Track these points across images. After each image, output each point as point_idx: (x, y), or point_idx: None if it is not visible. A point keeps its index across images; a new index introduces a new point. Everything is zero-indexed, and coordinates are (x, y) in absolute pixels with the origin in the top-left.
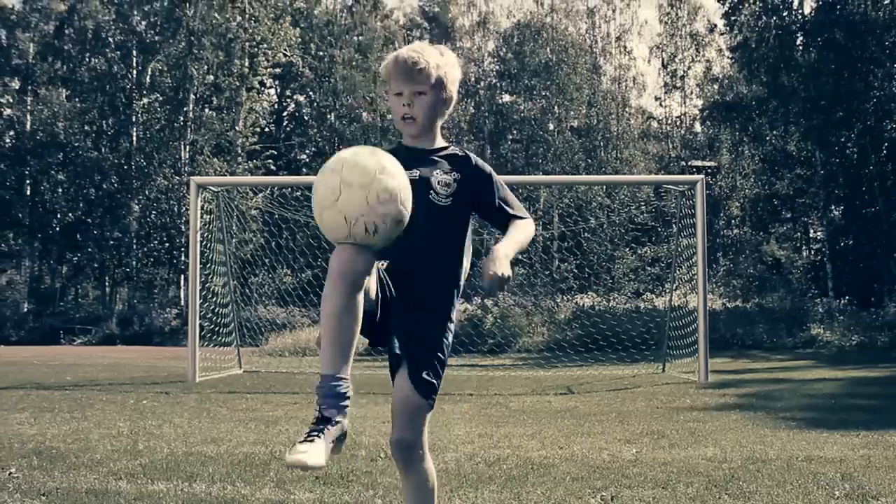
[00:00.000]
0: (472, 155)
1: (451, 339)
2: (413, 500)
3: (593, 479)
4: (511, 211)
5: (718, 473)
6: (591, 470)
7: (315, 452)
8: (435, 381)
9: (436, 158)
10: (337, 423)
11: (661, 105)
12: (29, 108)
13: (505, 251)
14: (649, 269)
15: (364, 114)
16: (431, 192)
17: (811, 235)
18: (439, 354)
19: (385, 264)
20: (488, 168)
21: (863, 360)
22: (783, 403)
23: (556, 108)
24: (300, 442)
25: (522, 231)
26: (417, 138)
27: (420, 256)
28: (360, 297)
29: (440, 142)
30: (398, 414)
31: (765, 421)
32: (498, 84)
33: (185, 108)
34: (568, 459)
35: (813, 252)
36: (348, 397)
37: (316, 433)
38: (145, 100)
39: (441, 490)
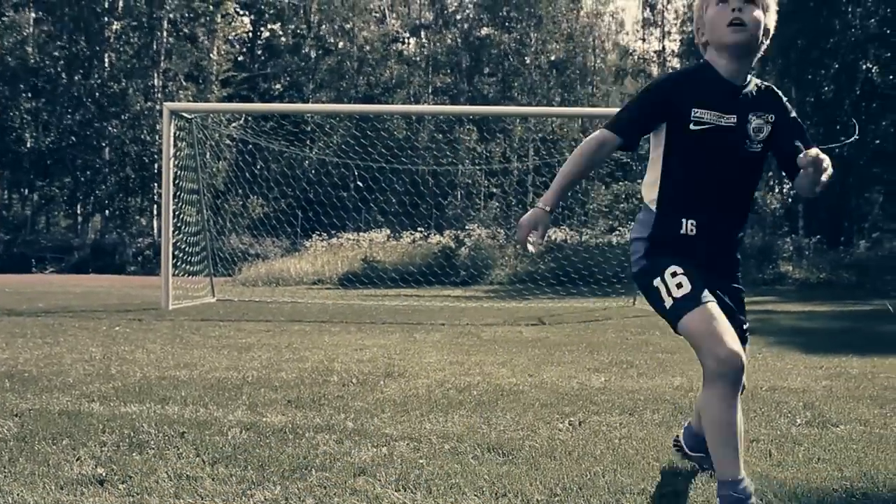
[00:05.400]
0: (780, 93)
1: None
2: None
3: (562, 405)
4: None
5: (685, 401)
6: (560, 396)
7: None
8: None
9: (750, 96)
10: None
11: (642, 40)
12: None
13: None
14: (623, 204)
15: (340, 43)
16: (747, 140)
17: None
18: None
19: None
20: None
21: (828, 296)
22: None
23: (532, 40)
24: None
25: None
26: (738, 60)
27: (735, 208)
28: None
29: (750, 77)
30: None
31: None
32: (475, 17)
33: (158, 35)
34: (537, 387)
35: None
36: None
37: None
38: (117, 25)
39: (412, 415)
